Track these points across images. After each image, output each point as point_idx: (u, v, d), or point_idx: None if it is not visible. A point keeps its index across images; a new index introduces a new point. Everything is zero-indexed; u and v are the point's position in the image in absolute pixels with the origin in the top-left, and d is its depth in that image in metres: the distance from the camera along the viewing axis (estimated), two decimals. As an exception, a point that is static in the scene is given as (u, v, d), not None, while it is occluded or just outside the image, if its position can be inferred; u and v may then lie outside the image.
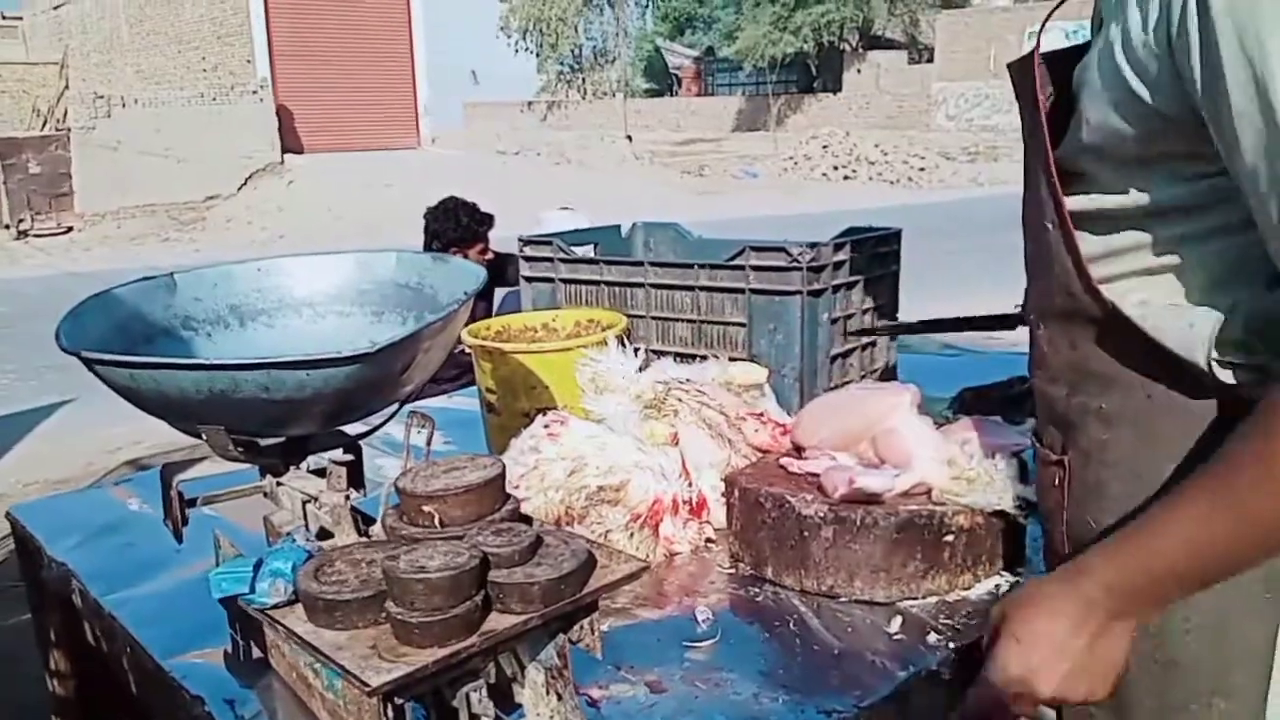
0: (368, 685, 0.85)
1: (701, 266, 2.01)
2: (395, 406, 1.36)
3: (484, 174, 16.53)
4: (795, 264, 1.89)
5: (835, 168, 19.56)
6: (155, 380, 1.11)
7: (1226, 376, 0.90)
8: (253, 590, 0.98)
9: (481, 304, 3.66)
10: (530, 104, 30.91)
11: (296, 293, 1.55)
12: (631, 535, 1.50)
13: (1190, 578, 0.87)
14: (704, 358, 1.92)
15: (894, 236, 2.17)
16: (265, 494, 1.41)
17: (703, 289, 2.02)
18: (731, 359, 1.89)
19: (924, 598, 1.35)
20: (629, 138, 22.62)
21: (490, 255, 4.28)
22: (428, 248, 4.33)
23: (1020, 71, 0.99)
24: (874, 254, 2.10)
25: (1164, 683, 0.99)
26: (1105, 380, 0.99)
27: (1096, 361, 0.99)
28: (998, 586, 1.38)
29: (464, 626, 0.91)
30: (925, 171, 19.28)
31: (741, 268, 1.95)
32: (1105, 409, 0.99)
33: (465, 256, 4.21)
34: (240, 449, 1.23)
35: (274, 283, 1.54)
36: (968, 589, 1.37)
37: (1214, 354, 0.88)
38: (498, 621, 0.94)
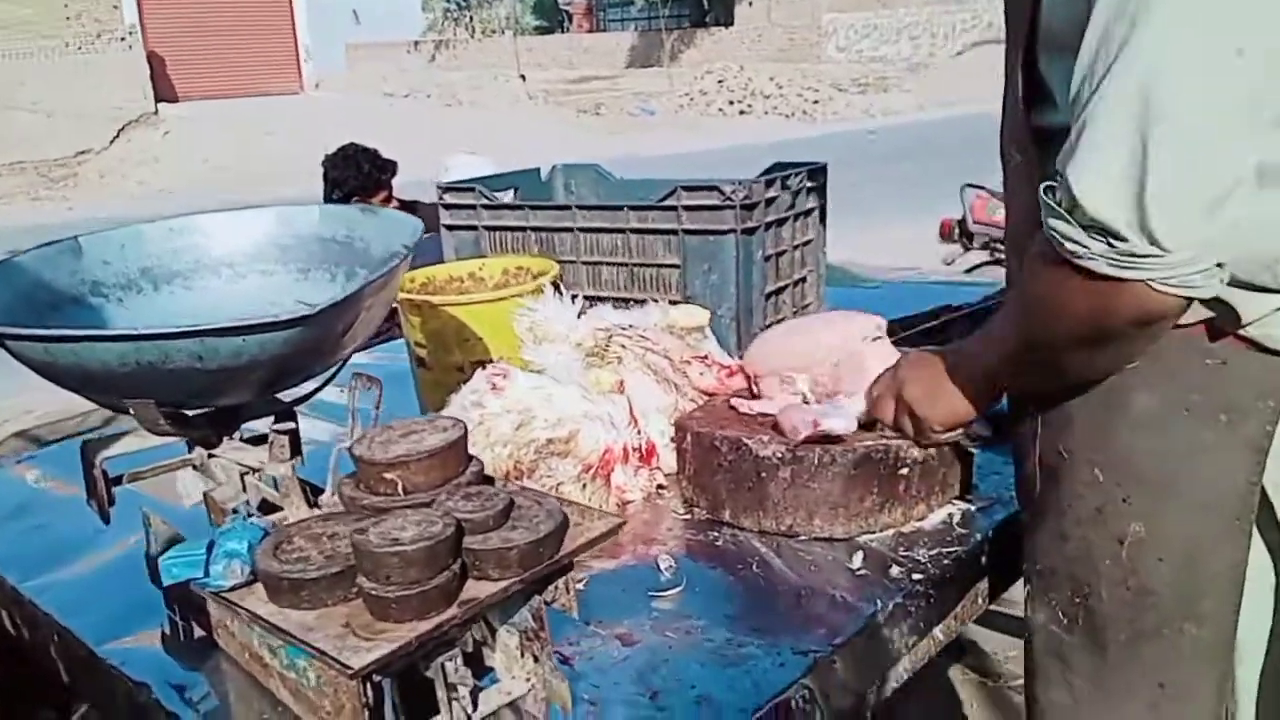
0: (350, 667, 0.80)
1: (632, 208, 1.97)
2: (333, 369, 1.29)
3: (373, 118, 16.01)
4: (729, 202, 1.86)
5: (731, 103, 19.54)
6: (75, 354, 1.02)
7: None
8: (207, 574, 0.92)
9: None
10: (417, 44, 29.98)
11: (213, 252, 1.46)
12: (584, 487, 1.46)
13: (997, 373, 1.13)
14: (641, 301, 1.88)
15: (820, 170, 2.15)
16: (195, 467, 1.33)
17: (634, 231, 1.97)
18: (669, 302, 1.85)
19: (881, 531, 1.36)
20: (522, 77, 22.16)
21: (395, 204, 4.15)
22: (328, 197, 4.17)
23: None
24: (803, 189, 2.08)
25: (1136, 610, 1.01)
26: None
27: None
28: (950, 515, 1.39)
29: (443, 597, 0.87)
30: (819, 104, 19.42)
31: (673, 208, 1.91)
32: None
33: (368, 205, 4.07)
34: (170, 422, 1.15)
35: (188, 242, 1.45)
36: (921, 519, 1.38)
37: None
38: (477, 589, 0.90)
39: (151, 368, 1.03)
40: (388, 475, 0.97)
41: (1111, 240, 0.80)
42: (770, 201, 1.95)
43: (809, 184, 2.11)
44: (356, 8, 23.94)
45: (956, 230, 5.15)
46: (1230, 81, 0.76)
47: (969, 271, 4.94)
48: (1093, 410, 0.99)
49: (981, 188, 5.27)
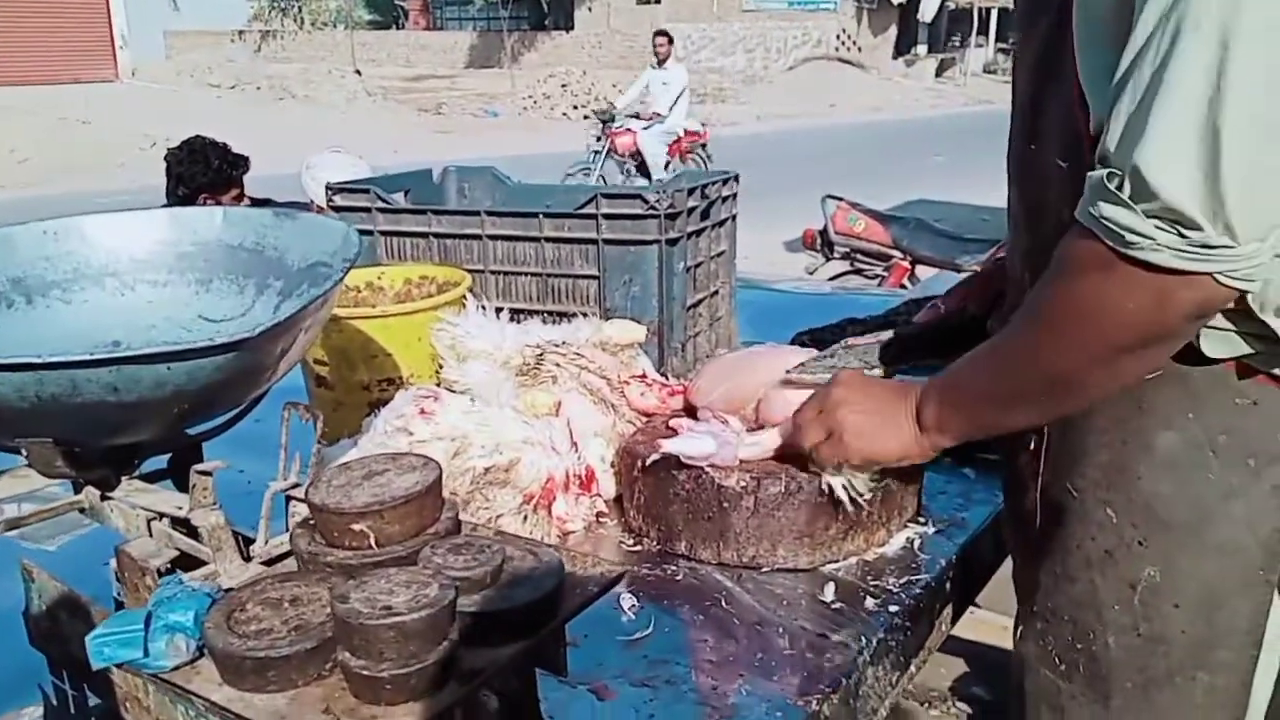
0: (352, 769, 0.67)
1: (547, 215, 1.86)
2: (252, 399, 1.13)
3: (200, 110, 15.14)
4: (652, 211, 1.77)
5: (575, 107, 19.48)
6: (-42, 387, 0.84)
7: (1215, 348, 0.88)
8: (146, 653, 0.76)
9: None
10: (241, 33, 28.63)
11: (95, 259, 1.27)
12: (525, 518, 1.35)
13: (978, 412, 1.02)
14: (558, 315, 1.78)
15: (734, 179, 2.10)
16: (82, 510, 1.14)
17: (549, 240, 1.86)
18: (584, 314, 1.75)
19: (845, 559, 1.30)
20: (358, 72, 21.44)
21: (246, 201, 3.87)
22: (172, 194, 3.85)
23: None
24: (718, 198, 2.02)
25: (1146, 657, 0.97)
26: None
27: None
28: (910, 540, 1.35)
29: (442, 673, 0.75)
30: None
31: (593, 216, 1.81)
32: None
33: (218, 203, 3.77)
34: (68, 462, 0.97)
35: (66, 248, 1.25)
36: (883, 545, 1.34)
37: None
38: (476, 659, 0.78)
39: (55, 401, 0.86)
40: (356, 526, 0.84)
41: (1183, 230, 0.75)
42: (690, 211, 1.88)
43: (724, 193, 2.05)
44: (176, -7, 22.65)
45: (819, 240, 5.24)
46: None
47: (832, 280, 5.04)
48: (1109, 449, 0.95)
49: (841, 199, 5.38)
